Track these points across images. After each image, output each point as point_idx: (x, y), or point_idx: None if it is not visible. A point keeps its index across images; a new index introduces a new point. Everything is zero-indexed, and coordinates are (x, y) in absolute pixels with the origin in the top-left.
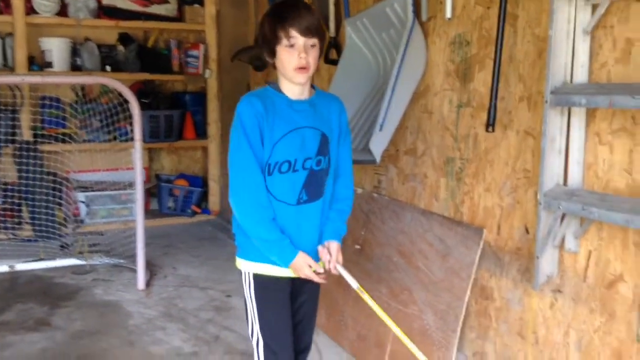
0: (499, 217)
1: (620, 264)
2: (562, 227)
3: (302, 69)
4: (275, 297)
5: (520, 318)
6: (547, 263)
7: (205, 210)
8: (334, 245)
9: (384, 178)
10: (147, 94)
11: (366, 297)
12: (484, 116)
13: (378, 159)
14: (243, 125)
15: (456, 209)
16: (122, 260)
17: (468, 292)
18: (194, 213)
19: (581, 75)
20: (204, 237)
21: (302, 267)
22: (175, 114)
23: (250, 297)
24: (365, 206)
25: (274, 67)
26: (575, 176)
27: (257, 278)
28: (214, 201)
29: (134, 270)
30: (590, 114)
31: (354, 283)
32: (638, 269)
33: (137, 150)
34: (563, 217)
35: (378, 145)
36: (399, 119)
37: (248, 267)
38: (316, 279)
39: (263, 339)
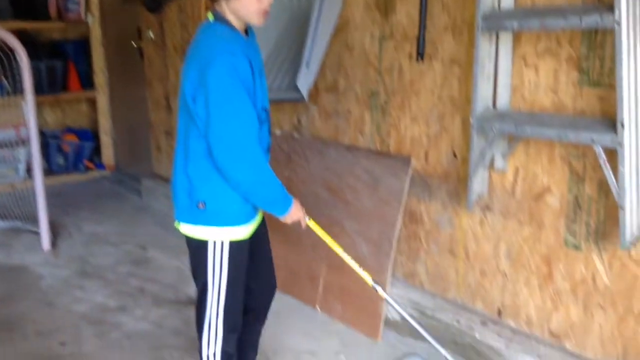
0: (427, 145)
1: (547, 176)
2: (492, 148)
3: (266, 12)
4: (244, 261)
5: (450, 237)
6: (478, 184)
7: (100, 166)
8: None
9: (304, 117)
10: (23, 44)
11: (312, 224)
12: (408, 48)
13: (306, 96)
14: (239, 76)
15: (382, 141)
16: (18, 223)
17: (399, 219)
18: (88, 169)
19: (507, 1)
20: (103, 194)
21: (298, 210)
22: (58, 64)
23: (222, 265)
24: (286, 147)
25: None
26: (503, 99)
27: (233, 244)
28: (107, 155)
29: (34, 232)
30: (517, 39)
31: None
32: (564, 179)
33: (29, 103)
34: (492, 139)
35: (305, 82)
36: (322, 54)
37: (223, 234)
38: (304, 222)
39: (224, 309)
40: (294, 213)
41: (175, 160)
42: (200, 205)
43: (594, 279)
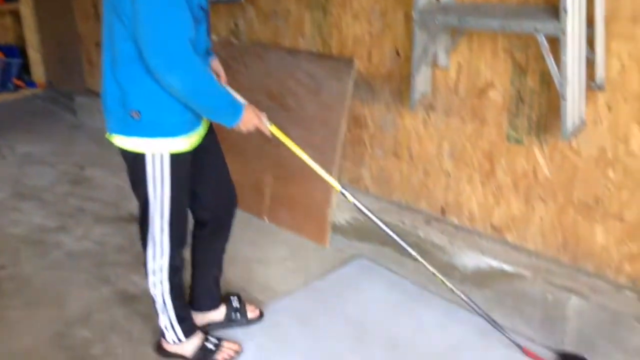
0: (369, 44)
1: (490, 71)
2: (434, 44)
3: None
4: (187, 174)
5: (394, 139)
6: (421, 82)
7: (30, 84)
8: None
9: (241, 21)
10: None
11: (275, 130)
12: None
13: None
14: None
15: (324, 43)
16: None
17: (343, 124)
18: (17, 88)
19: None
20: (35, 113)
21: (253, 117)
22: None
23: (163, 179)
24: (223, 54)
25: None
26: None
27: (174, 156)
28: (38, 72)
29: None
30: None
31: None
32: (507, 73)
33: None
34: (435, 33)
35: None
36: None
37: (162, 146)
38: (266, 130)
39: (169, 223)
40: (248, 121)
41: (103, 65)
42: (135, 115)
43: (535, 172)
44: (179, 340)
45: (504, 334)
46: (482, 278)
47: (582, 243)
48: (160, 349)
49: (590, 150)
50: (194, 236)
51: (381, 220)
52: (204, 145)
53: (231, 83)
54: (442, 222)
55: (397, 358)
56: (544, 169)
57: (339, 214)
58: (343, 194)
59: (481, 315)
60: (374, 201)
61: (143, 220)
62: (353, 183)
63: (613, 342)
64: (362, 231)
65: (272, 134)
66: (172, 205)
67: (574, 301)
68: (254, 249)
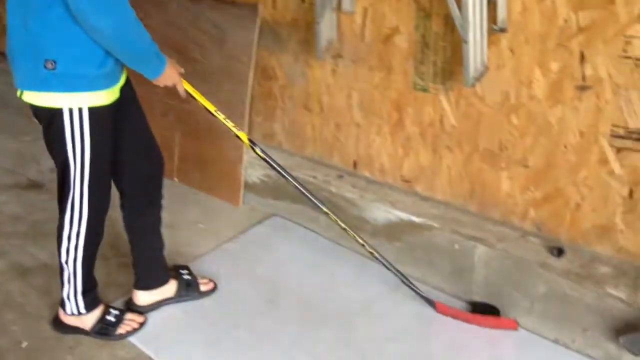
0: None
1: (395, 16)
2: None
3: None
4: (108, 131)
5: (304, 91)
6: (326, 28)
7: None
8: None
9: None
10: None
11: (190, 89)
12: None
13: None
14: None
15: None
16: None
17: (251, 75)
18: None
19: None
20: None
21: (175, 72)
22: None
23: (83, 137)
24: None
25: None
26: None
27: (93, 111)
28: None
29: None
30: None
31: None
32: (411, 17)
33: None
34: None
35: None
36: None
37: (80, 100)
38: (182, 89)
39: (89, 187)
40: (169, 76)
41: (9, 18)
42: (49, 65)
43: (441, 121)
44: (79, 312)
45: (417, 292)
46: (392, 230)
47: (488, 191)
48: (57, 323)
49: (494, 96)
50: (124, 209)
51: (293, 176)
52: (123, 99)
53: None
54: (354, 176)
55: (310, 318)
56: (450, 117)
57: (251, 172)
58: (253, 149)
59: (395, 274)
60: (287, 157)
61: (62, 185)
62: (266, 139)
63: (519, 289)
64: (275, 189)
65: (187, 93)
66: (92, 166)
67: (480, 250)
68: (165, 213)
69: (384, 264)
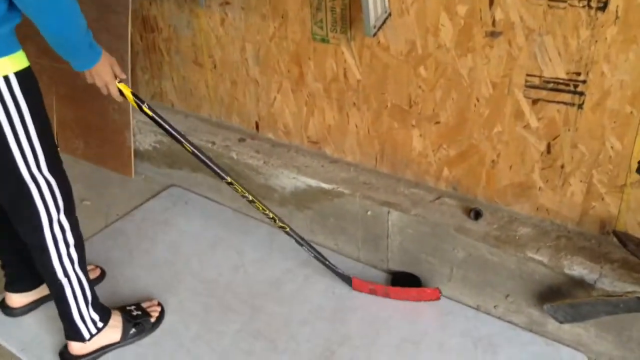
0: None
1: None
2: None
3: None
4: (40, 91)
5: (192, 45)
6: None
7: None
8: None
9: None
10: None
11: (124, 89)
12: None
13: None
14: None
15: None
16: None
17: (129, 27)
18: None
19: None
20: None
21: (109, 70)
22: None
23: (17, 104)
24: None
25: None
26: None
27: (21, 75)
28: None
29: None
30: None
31: None
32: None
33: None
34: None
35: None
36: None
37: (5, 66)
38: (115, 91)
39: (53, 176)
40: (102, 71)
41: None
42: None
43: (345, 75)
44: (97, 328)
45: (332, 269)
46: (301, 199)
47: (399, 151)
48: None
49: (399, 46)
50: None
51: (188, 141)
52: None
53: None
54: (257, 139)
55: (214, 306)
56: (355, 70)
57: (141, 138)
58: (139, 106)
59: (308, 250)
60: (182, 119)
61: (15, 184)
62: (156, 98)
63: (436, 255)
64: (170, 156)
65: (121, 95)
66: (43, 143)
67: (394, 216)
68: None
69: (296, 240)
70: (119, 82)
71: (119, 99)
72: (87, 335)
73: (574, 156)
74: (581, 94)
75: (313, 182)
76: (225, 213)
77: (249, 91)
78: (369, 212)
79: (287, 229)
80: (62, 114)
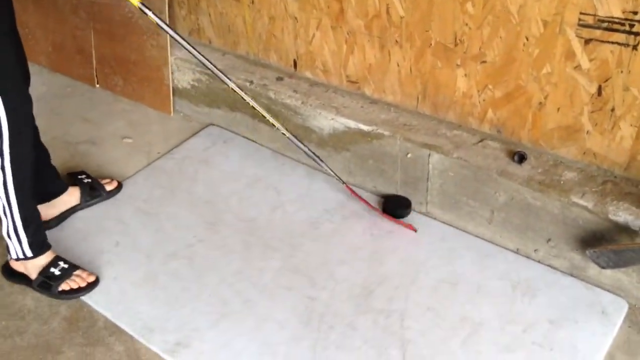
0: None
1: None
2: None
3: None
4: (7, 20)
5: None
6: None
7: None
8: None
9: None
10: None
11: None
12: None
13: None
14: None
15: None
16: None
17: None
18: None
19: None
20: None
21: None
22: None
23: None
24: None
25: None
26: None
27: None
28: None
29: None
30: None
31: None
32: None
33: None
34: None
35: None
36: None
37: None
38: None
39: (1, 94)
40: None
41: None
42: None
43: (388, 12)
44: (25, 255)
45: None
46: (340, 140)
47: (442, 91)
48: (5, 269)
49: None
50: None
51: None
52: None
53: None
54: (295, 78)
55: (254, 244)
56: (398, 6)
57: (179, 76)
58: (143, 11)
59: (307, 154)
60: (220, 57)
61: None
62: (193, 35)
63: (477, 198)
64: (209, 95)
65: None
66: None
67: (435, 158)
68: (86, 127)
69: (296, 145)
70: None
71: None
72: (13, 255)
73: (625, 99)
74: (637, 34)
75: (352, 123)
76: (263, 152)
77: (287, 28)
78: (409, 155)
79: (287, 135)
80: (101, 50)
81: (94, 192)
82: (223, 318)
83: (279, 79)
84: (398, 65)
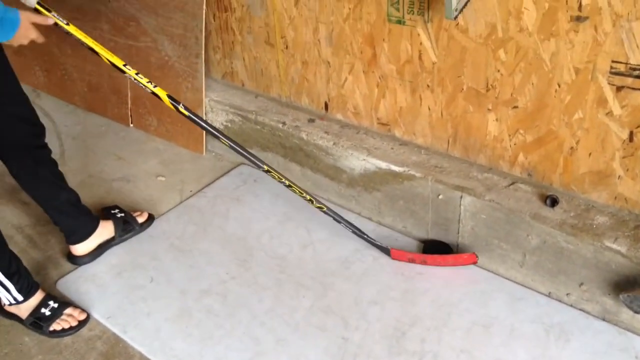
0: None
1: None
2: None
3: None
4: None
5: (265, 25)
6: None
7: None
8: None
9: None
10: None
11: (73, 30)
12: None
13: None
14: None
15: None
16: None
17: (204, 7)
18: None
19: None
20: None
21: (29, 27)
22: None
23: None
24: None
25: None
26: None
27: None
28: None
29: None
30: None
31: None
32: None
33: None
34: None
35: None
36: None
37: None
38: (40, 38)
39: None
40: (23, 34)
41: None
42: None
43: (420, 57)
44: (16, 300)
45: (370, 241)
46: (370, 180)
47: (473, 135)
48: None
49: (479, 29)
50: (16, 176)
51: (260, 123)
52: None
53: None
54: (326, 119)
55: (285, 282)
56: (430, 52)
57: (213, 117)
58: (175, 108)
59: (346, 226)
60: (252, 99)
61: None
62: (227, 77)
63: (509, 241)
64: (241, 135)
65: (66, 31)
66: None
67: (467, 200)
68: (121, 165)
69: (333, 218)
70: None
71: (40, 40)
72: (5, 302)
73: None
74: None
75: (383, 164)
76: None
77: (319, 72)
78: (440, 196)
79: (324, 209)
80: (136, 91)
81: (127, 225)
82: (257, 356)
83: (311, 120)
84: (429, 108)
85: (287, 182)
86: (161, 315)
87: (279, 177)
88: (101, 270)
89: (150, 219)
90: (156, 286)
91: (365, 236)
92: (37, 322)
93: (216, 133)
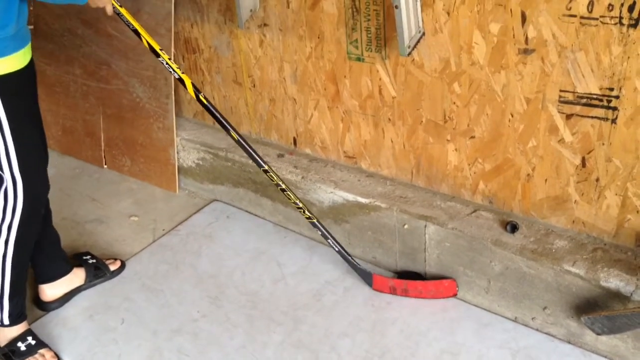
0: None
1: None
2: None
3: None
4: (28, 101)
5: (232, 65)
6: None
7: None
8: None
9: None
10: None
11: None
12: None
13: None
14: None
15: None
16: None
17: (172, 50)
18: None
19: None
20: None
21: None
22: None
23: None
24: None
25: None
26: None
27: (4, 81)
28: None
29: None
30: None
31: None
32: None
33: None
34: None
35: None
36: None
37: None
38: (110, 8)
39: (22, 177)
40: None
41: None
42: None
43: (381, 92)
44: (2, 323)
45: (355, 266)
46: (339, 212)
47: (435, 165)
48: None
49: (433, 64)
50: None
51: (230, 160)
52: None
53: (37, 11)
54: (295, 154)
55: (256, 318)
56: (389, 87)
57: (185, 155)
58: (198, 97)
59: (333, 245)
60: (223, 137)
61: None
62: (198, 117)
63: (474, 268)
64: (213, 172)
65: (118, 12)
66: (18, 143)
67: (431, 229)
68: (94, 206)
69: (322, 233)
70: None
71: (111, 12)
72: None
73: (608, 170)
74: (614, 109)
75: (350, 196)
76: (266, 226)
77: (286, 109)
78: (405, 226)
79: (314, 220)
80: (110, 133)
81: (98, 271)
82: None
83: (280, 155)
84: (392, 141)
85: (283, 186)
86: (132, 357)
87: (277, 180)
88: (72, 313)
89: (122, 266)
90: (127, 327)
91: (350, 258)
92: (10, 354)
93: (228, 127)
